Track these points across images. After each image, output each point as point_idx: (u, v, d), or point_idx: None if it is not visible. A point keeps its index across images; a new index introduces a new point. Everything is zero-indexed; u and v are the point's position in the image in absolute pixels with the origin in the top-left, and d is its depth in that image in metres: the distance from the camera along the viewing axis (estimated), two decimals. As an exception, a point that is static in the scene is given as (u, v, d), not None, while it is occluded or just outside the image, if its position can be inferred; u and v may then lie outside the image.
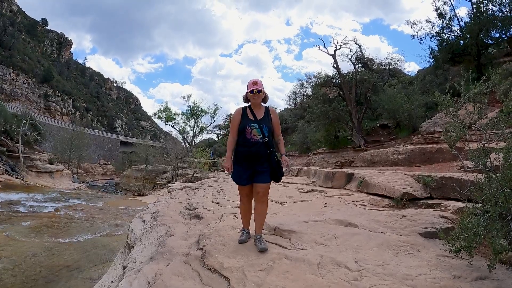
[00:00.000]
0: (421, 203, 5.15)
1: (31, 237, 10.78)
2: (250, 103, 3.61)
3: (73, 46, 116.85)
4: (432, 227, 3.76)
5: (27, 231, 11.67)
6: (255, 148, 3.44)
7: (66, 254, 9.30)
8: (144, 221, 5.31)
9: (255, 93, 3.48)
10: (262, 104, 3.64)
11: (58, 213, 15.93)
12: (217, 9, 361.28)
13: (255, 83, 3.50)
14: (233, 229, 4.07)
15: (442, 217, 4.14)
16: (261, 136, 3.45)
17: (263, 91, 3.53)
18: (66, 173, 38.89)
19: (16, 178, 29.77)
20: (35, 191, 24.55)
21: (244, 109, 3.62)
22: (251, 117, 3.53)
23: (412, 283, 2.52)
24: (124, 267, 3.92)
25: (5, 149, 32.99)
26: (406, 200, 5.31)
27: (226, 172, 3.73)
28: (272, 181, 3.58)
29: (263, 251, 3.26)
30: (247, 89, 3.53)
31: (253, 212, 3.70)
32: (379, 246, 3.35)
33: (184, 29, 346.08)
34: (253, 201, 3.69)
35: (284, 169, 3.64)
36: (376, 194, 6.14)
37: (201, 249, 3.48)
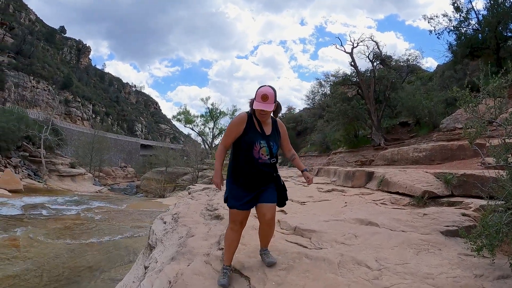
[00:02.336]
0: (443, 201, 5.07)
1: (54, 239, 10.95)
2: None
3: (91, 52, 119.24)
4: (453, 225, 3.71)
5: (50, 233, 11.83)
6: (262, 170, 2.86)
7: (88, 255, 9.45)
8: (165, 222, 5.37)
9: (263, 110, 2.77)
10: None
11: (81, 215, 16.21)
12: (231, 12, 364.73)
13: (264, 97, 2.70)
14: (254, 229, 4.08)
15: (463, 215, 4.08)
16: (269, 157, 2.86)
17: (275, 104, 2.82)
18: (88, 177, 39.55)
19: (38, 182, 30.49)
20: (58, 195, 25.07)
21: (250, 117, 2.89)
22: (259, 130, 2.87)
23: (433, 282, 2.50)
24: (146, 267, 3.98)
25: (28, 154, 33.84)
26: (427, 199, 5.25)
27: (215, 188, 3.36)
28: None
29: (271, 265, 2.92)
30: (255, 99, 2.78)
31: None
32: (399, 245, 3.33)
33: (198, 33, 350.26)
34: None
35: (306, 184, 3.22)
36: (397, 193, 6.08)
37: (222, 249, 3.39)
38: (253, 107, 2.79)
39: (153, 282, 3.11)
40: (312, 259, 3.01)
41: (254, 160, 2.83)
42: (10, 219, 13.79)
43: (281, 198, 2.99)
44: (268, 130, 2.90)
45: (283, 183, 3.02)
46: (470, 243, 2.90)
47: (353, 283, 2.53)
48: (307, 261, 2.98)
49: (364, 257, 2.96)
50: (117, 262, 8.89)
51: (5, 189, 22.59)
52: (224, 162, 3.16)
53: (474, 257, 2.89)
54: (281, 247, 3.40)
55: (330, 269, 2.77)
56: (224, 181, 3.06)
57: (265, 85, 2.79)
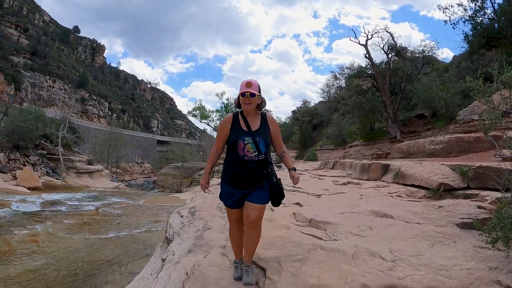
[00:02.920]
0: (458, 194, 5.05)
1: (73, 234, 11.18)
2: (242, 109, 2.90)
3: (106, 51, 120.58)
4: (469, 218, 3.70)
5: (69, 228, 12.08)
6: (248, 168, 2.77)
7: (106, 249, 9.64)
8: (182, 216, 5.44)
9: (247, 97, 2.76)
10: (258, 111, 2.96)
11: (99, 211, 16.52)
12: (243, 6, 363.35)
13: (248, 84, 2.78)
14: (270, 221, 4.13)
15: (479, 207, 4.06)
16: (256, 153, 2.77)
17: (259, 95, 2.82)
18: (105, 173, 40.19)
19: (57, 179, 31.05)
20: (76, 191, 25.59)
21: (235, 116, 2.93)
22: (244, 127, 2.84)
23: (447, 273, 2.52)
24: (163, 260, 4.04)
25: (46, 152, 34.46)
26: (443, 191, 5.22)
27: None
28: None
29: (247, 285, 2.71)
30: (240, 90, 2.82)
31: None
32: (414, 237, 3.34)
33: (211, 28, 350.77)
34: None
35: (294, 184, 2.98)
36: (413, 185, 6.06)
37: None
38: (239, 92, 2.81)
39: (171, 274, 3.19)
40: (327, 250, 3.03)
41: (239, 158, 2.79)
42: (30, 216, 14.11)
43: (274, 197, 2.83)
44: (255, 125, 2.86)
45: (277, 180, 2.84)
46: (485, 235, 2.90)
47: (367, 273, 2.55)
48: (322, 252, 3.00)
49: (378, 249, 2.98)
50: (135, 255, 9.05)
51: (24, 187, 23.11)
52: None
53: (489, 249, 2.90)
54: (296, 239, 3.42)
55: (344, 260, 2.80)
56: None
57: (249, 79, 2.87)
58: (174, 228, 4.96)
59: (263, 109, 3.01)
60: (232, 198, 2.84)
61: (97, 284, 7.26)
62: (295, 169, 2.89)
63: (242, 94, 2.76)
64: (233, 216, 2.93)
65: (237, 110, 2.98)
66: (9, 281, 7.13)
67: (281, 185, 2.86)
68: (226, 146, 2.97)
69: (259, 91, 2.83)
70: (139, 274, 5.11)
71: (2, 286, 6.86)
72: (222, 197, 2.95)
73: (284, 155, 2.99)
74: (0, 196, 17.99)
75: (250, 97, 2.75)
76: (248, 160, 2.77)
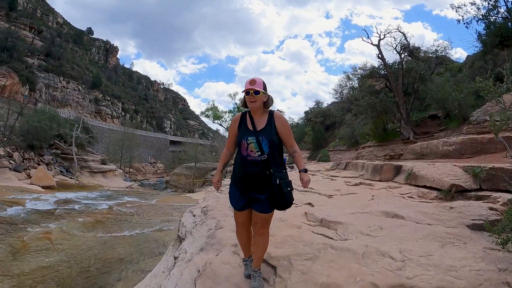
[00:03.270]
0: (470, 195, 5.03)
1: (86, 232, 11.26)
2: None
3: (119, 52, 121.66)
4: (480, 219, 3.70)
5: (82, 226, 12.17)
6: (251, 168, 2.71)
7: (119, 247, 9.71)
8: (194, 215, 5.51)
9: (251, 95, 2.70)
10: (265, 109, 2.88)
11: (112, 210, 16.64)
12: (255, 7, 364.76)
13: (252, 81, 2.71)
14: (281, 221, 4.17)
15: (491, 209, 4.05)
16: (259, 153, 2.69)
17: (264, 92, 2.75)
18: (118, 173, 40.52)
19: (70, 178, 31.45)
20: (89, 190, 25.76)
21: (243, 115, 2.90)
22: (249, 126, 2.79)
23: (456, 274, 2.53)
24: (175, 258, 4.09)
25: (60, 151, 34.93)
26: (454, 192, 5.21)
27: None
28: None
29: None
30: (244, 88, 2.76)
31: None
32: (424, 238, 3.35)
33: (223, 30, 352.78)
34: None
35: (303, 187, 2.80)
36: (425, 186, 6.06)
37: None
38: (243, 91, 2.77)
39: (183, 271, 3.25)
40: (337, 249, 3.06)
41: (243, 158, 2.75)
42: (44, 214, 14.24)
43: (275, 201, 2.70)
44: (261, 124, 2.78)
45: (281, 182, 2.65)
46: (495, 237, 2.90)
47: (376, 273, 2.58)
48: (332, 251, 3.03)
49: (388, 249, 2.99)
50: (147, 254, 9.11)
51: (39, 185, 23.41)
52: None
53: (499, 251, 2.89)
54: (307, 238, 3.47)
55: (354, 260, 2.83)
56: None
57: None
58: (187, 227, 5.04)
59: (271, 106, 2.92)
60: (239, 200, 2.82)
61: (110, 282, 7.31)
62: (306, 171, 2.75)
63: (247, 92, 2.72)
64: (239, 218, 2.91)
65: (246, 109, 2.91)
66: (23, 277, 7.22)
67: (289, 187, 2.67)
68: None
69: (265, 88, 2.77)
70: (151, 272, 5.17)
71: (16, 282, 6.94)
72: (230, 199, 2.94)
73: (295, 155, 2.84)
74: (14, 195, 18.21)
75: (255, 94, 2.69)
76: (251, 160, 2.71)
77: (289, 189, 2.66)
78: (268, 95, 2.82)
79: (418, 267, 2.66)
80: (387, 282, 2.44)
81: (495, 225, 3.08)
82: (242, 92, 2.77)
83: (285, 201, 2.68)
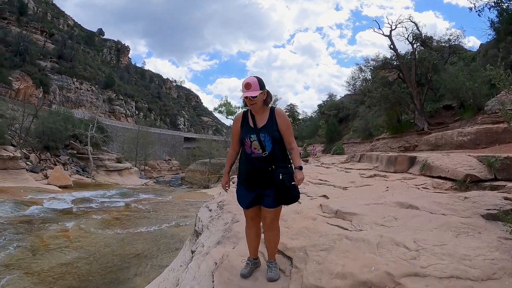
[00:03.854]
0: (485, 185, 5.01)
1: (104, 229, 11.48)
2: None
3: (130, 51, 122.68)
4: (494, 209, 3.68)
5: (100, 224, 12.39)
6: (255, 165, 2.75)
7: (136, 243, 9.89)
8: (210, 210, 5.59)
9: (249, 99, 2.70)
10: (266, 106, 2.88)
11: (128, 207, 16.90)
12: (264, 2, 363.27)
13: (247, 85, 2.69)
14: (296, 213, 4.21)
15: (506, 199, 4.03)
16: (261, 150, 2.72)
17: (261, 92, 2.72)
18: (134, 171, 41.10)
19: (87, 177, 32.03)
20: (105, 188, 26.18)
21: (245, 114, 2.91)
22: (251, 124, 2.82)
23: (470, 263, 2.53)
24: (193, 252, 4.16)
25: (75, 151, 35.62)
26: (469, 182, 5.19)
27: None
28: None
29: (270, 280, 2.76)
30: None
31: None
32: (439, 227, 3.36)
33: (233, 25, 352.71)
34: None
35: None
36: (439, 177, 6.04)
37: None
38: (240, 98, 2.80)
39: (200, 264, 3.32)
40: (352, 240, 3.09)
41: (248, 156, 2.79)
42: (62, 212, 14.58)
43: (279, 195, 2.70)
44: (262, 122, 2.80)
45: (283, 177, 2.66)
46: (509, 226, 2.90)
47: (391, 262, 2.60)
48: (347, 242, 3.07)
49: (402, 238, 3.01)
50: (164, 249, 9.27)
51: (56, 185, 23.96)
52: None
53: (514, 240, 2.90)
54: (322, 230, 3.51)
55: (369, 249, 2.86)
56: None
57: (249, 76, 2.78)
58: (203, 222, 5.12)
59: (271, 102, 2.93)
60: (246, 199, 2.85)
61: (128, 276, 7.47)
62: (301, 168, 2.74)
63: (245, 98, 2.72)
64: (248, 214, 2.93)
65: (248, 108, 2.89)
66: (43, 274, 7.39)
67: (291, 183, 2.67)
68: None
69: (262, 87, 2.73)
70: (169, 266, 5.25)
71: (37, 279, 7.12)
72: (238, 198, 2.96)
73: (292, 152, 2.83)
74: (32, 195, 18.59)
75: (252, 98, 2.68)
76: (256, 157, 2.74)
77: (293, 183, 2.66)
78: (267, 92, 2.81)
79: (432, 256, 2.67)
80: (401, 271, 2.46)
81: (510, 215, 3.09)
82: (240, 98, 2.79)
83: (290, 196, 2.68)
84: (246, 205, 2.87)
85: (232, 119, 43.32)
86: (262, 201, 2.80)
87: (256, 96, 2.68)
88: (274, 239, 2.90)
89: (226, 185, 3.06)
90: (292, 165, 2.80)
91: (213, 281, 2.86)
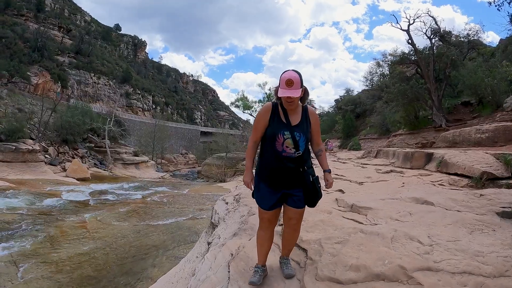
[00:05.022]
0: (502, 183, 5.00)
1: (121, 221, 11.67)
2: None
3: (147, 46, 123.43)
4: (510, 207, 3.67)
5: (117, 216, 12.58)
6: (285, 165, 2.53)
7: (153, 235, 10.03)
8: (227, 203, 5.67)
9: (289, 97, 2.47)
10: (300, 103, 2.66)
11: (145, 199, 17.09)
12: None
13: (289, 83, 2.40)
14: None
15: (522, 197, 4.02)
16: (294, 150, 2.53)
17: (302, 90, 2.49)
18: (151, 164, 41.48)
19: (104, 170, 32.50)
20: (122, 181, 26.51)
21: (275, 106, 2.62)
22: (283, 120, 2.57)
23: (483, 259, 2.53)
24: (209, 243, 4.26)
25: (93, 145, 36.22)
26: (485, 180, 5.18)
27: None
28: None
29: (289, 277, 2.70)
30: (279, 86, 2.48)
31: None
32: (453, 224, 3.37)
33: (249, 20, 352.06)
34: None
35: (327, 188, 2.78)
36: (456, 174, 6.05)
37: (281, 225, 3.30)
38: (278, 95, 2.49)
39: (216, 255, 3.41)
40: (366, 233, 3.12)
41: (277, 153, 2.54)
42: (79, 204, 14.87)
43: (310, 198, 2.60)
44: (295, 119, 2.58)
45: (314, 179, 2.58)
46: (523, 224, 2.90)
47: (404, 256, 2.63)
48: (362, 235, 3.10)
49: (417, 233, 3.03)
50: (180, 241, 9.38)
51: (74, 178, 24.40)
52: None
53: (528, 239, 2.89)
54: (337, 223, 3.57)
55: (383, 243, 2.89)
56: None
57: (289, 70, 2.48)
58: (220, 214, 5.22)
59: (307, 101, 2.72)
60: (269, 200, 2.62)
61: (145, 267, 7.60)
62: (330, 171, 2.71)
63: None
64: (266, 216, 2.69)
65: (276, 101, 2.65)
66: (61, 264, 7.59)
67: (319, 183, 2.62)
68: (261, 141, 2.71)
69: (301, 84, 2.48)
70: (185, 257, 5.36)
71: (55, 268, 7.31)
72: (255, 195, 2.72)
73: (321, 154, 2.76)
74: (51, 187, 18.98)
75: (293, 96, 2.45)
76: (286, 156, 2.53)
77: (319, 185, 2.61)
78: (305, 89, 2.57)
79: (445, 251, 2.68)
80: (414, 265, 2.48)
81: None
82: (279, 96, 2.49)
83: (318, 198, 2.63)
84: (269, 207, 2.63)
85: (249, 114, 43.46)
86: (287, 201, 2.62)
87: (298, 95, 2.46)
88: (296, 239, 2.81)
89: (251, 183, 2.76)
90: (312, 164, 2.68)
91: (229, 271, 2.93)
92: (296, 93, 2.42)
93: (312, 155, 2.75)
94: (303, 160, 2.55)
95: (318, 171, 2.73)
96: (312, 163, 2.66)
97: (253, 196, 2.76)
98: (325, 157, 2.79)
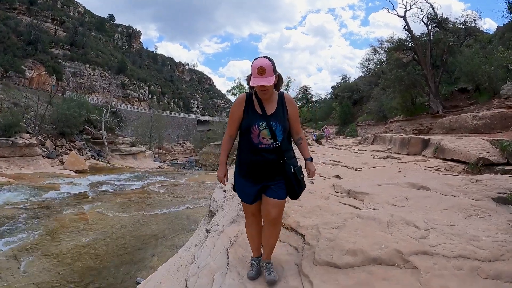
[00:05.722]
0: (498, 169, 5.02)
1: (120, 212, 11.77)
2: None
3: (142, 36, 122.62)
4: (505, 193, 3.68)
5: (116, 207, 12.70)
6: (263, 157, 2.41)
7: (152, 225, 10.15)
8: (225, 191, 5.68)
9: (261, 86, 2.34)
10: (275, 91, 2.53)
11: (143, 190, 17.22)
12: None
13: (260, 70, 2.27)
14: (309, 192, 4.26)
15: (517, 183, 4.04)
16: (272, 140, 2.40)
17: (275, 76, 2.36)
18: (148, 154, 41.74)
19: (102, 161, 32.58)
20: (121, 172, 26.69)
21: (248, 96, 2.51)
22: (258, 110, 2.45)
23: (478, 244, 2.55)
24: (208, 231, 4.29)
25: (90, 136, 36.23)
26: (481, 166, 5.21)
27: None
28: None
29: (271, 283, 2.49)
30: (251, 75, 2.35)
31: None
32: (449, 209, 3.39)
33: (245, 8, 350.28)
34: None
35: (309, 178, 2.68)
36: (452, 160, 6.07)
37: None
38: (251, 84, 2.36)
39: (215, 242, 3.43)
40: (363, 218, 3.15)
41: (254, 146, 2.42)
42: (78, 196, 14.98)
43: (291, 190, 2.49)
44: (271, 108, 2.46)
45: (295, 170, 2.47)
46: (518, 209, 2.93)
47: (400, 240, 2.65)
48: (359, 220, 3.13)
49: (413, 218, 3.06)
50: (179, 230, 9.51)
51: (72, 170, 24.45)
52: None
53: (524, 224, 2.90)
54: (334, 208, 3.58)
55: (380, 228, 2.91)
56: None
57: (260, 57, 2.35)
58: (218, 202, 5.24)
59: (282, 87, 2.62)
60: (248, 193, 2.55)
61: (145, 256, 7.73)
62: (311, 160, 2.61)
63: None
64: (249, 210, 2.63)
65: (250, 90, 2.54)
66: (62, 256, 7.69)
67: (302, 174, 2.51)
68: (239, 132, 2.61)
69: (274, 70, 2.35)
70: (184, 245, 5.38)
71: (56, 261, 7.39)
72: (238, 192, 2.65)
73: (301, 142, 2.64)
74: (49, 180, 19.04)
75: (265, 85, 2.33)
76: (264, 148, 2.41)
77: (302, 176, 2.51)
78: (279, 76, 2.47)
79: (441, 236, 2.70)
80: (410, 249, 2.51)
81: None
82: (251, 85, 2.37)
83: (301, 189, 2.54)
84: (251, 200, 2.56)
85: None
86: (266, 192, 2.49)
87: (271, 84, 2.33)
88: (276, 235, 2.63)
89: (225, 178, 2.70)
90: (294, 154, 2.60)
91: (227, 258, 2.97)
92: (269, 81, 2.30)
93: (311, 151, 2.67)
94: (282, 150, 2.43)
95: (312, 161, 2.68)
96: (294, 154, 2.59)
97: (234, 190, 2.70)
98: (306, 146, 2.67)
